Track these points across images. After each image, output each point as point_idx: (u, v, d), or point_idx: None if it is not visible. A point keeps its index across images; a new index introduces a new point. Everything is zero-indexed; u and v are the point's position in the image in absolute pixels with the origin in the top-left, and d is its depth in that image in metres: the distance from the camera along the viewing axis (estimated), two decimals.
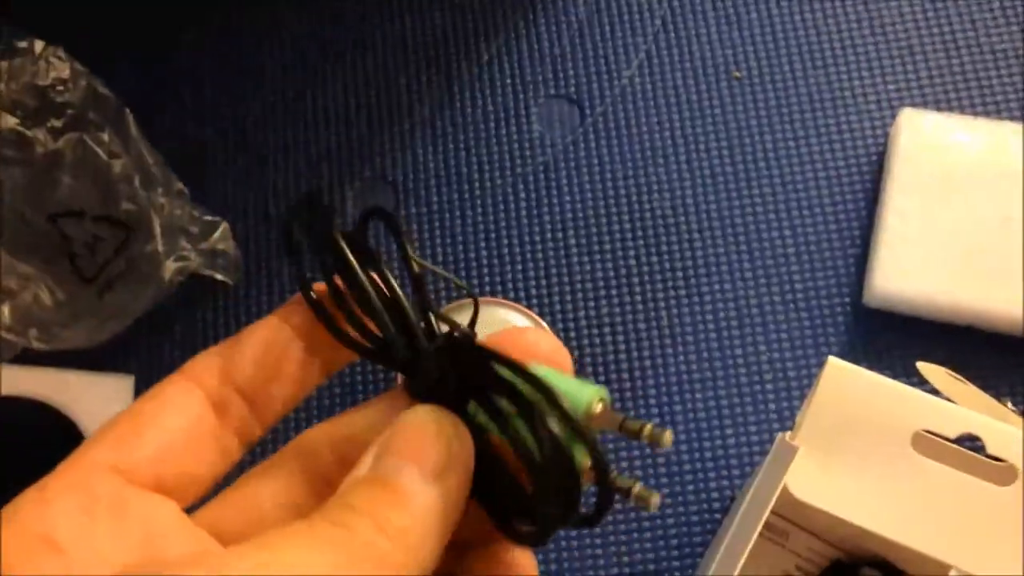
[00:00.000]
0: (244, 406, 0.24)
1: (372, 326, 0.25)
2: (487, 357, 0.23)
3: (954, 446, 0.35)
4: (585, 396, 0.23)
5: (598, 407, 0.23)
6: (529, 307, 0.52)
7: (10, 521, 0.21)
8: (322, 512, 0.21)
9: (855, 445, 0.34)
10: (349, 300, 0.25)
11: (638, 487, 0.23)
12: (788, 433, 0.35)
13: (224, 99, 0.57)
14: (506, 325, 0.44)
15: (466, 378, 0.23)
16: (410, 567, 0.21)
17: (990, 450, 0.33)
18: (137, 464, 0.22)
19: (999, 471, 0.33)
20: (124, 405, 0.50)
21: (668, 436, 0.23)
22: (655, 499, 0.23)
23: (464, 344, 0.24)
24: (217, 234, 0.53)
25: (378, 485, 0.21)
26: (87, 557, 0.21)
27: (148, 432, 0.23)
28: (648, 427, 0.23)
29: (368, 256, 0.25)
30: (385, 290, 0.25)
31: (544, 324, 0.44)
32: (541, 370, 0.23)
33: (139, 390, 0.51)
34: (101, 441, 0.23)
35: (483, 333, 0.43)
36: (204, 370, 0.24)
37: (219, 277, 0.53)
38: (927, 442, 0.34)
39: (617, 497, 0.23)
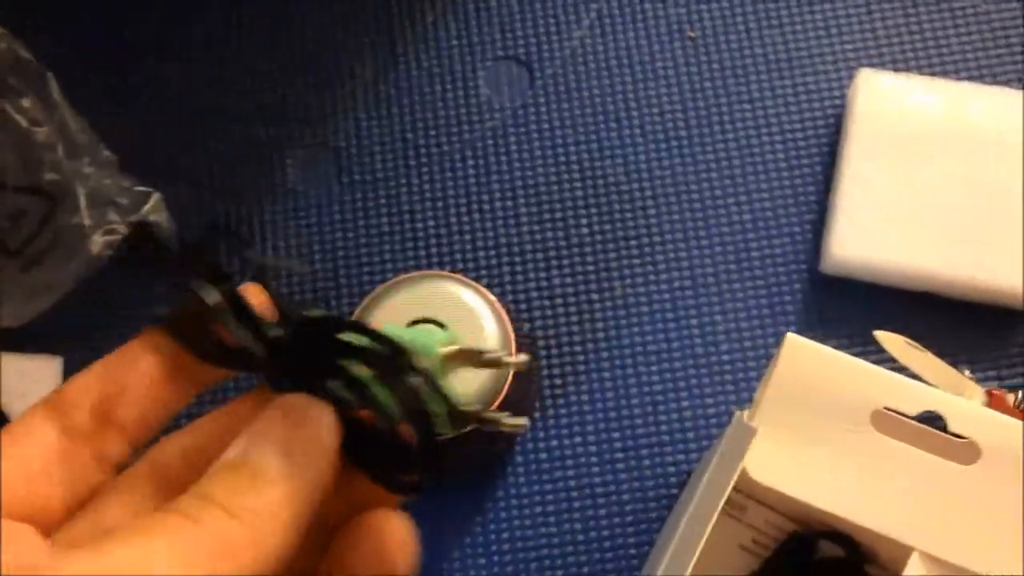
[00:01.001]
0: (104, 429, 0.24)
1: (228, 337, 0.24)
2: (333, 329, 0.24)
3: (915, 424, 0.34)
4: (433, 341, 0.25)
5: (448, 349, 0.25)
6: (478, 279, 0.50)
7: None
8: (173, 503, 0.21)
9: (814, 424, 0.32)
10: (204, 317, 0.24)
11: (504, 417, 0.26)
12: (746, 412, 0.34)
13: (154, 63, 0.54)
14: (454, 300, 0.42)
15: (318, 357, 0.24)
16: (263, 549, 0.21)
17: (952, 428, 0.32)
18: None
19: (961, 449, 0.32)
20: (53, 386, 0.48)
21: (518, 360, 0.26)
22: (521, 421, 0.26)
23: (309, 325, 0.24)
24: (149, 205, 0.50)
25: (230, 470, 0.22)
26: None
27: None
28: (499, 356, 0.26)
29: (214, 273, 0.25)
30: (228, 299, 0.24)
31: (492, 296, 0.43)
32: (388, 328, 0.24)
33: (68, 371, 0.49)
34: None
35: (431, 308, 0.41)
36: (65, 397, 0.24)
37: (153, 248, 0.50)
38: (888, 420, 0.33)
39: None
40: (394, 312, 0.42)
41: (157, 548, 0.20)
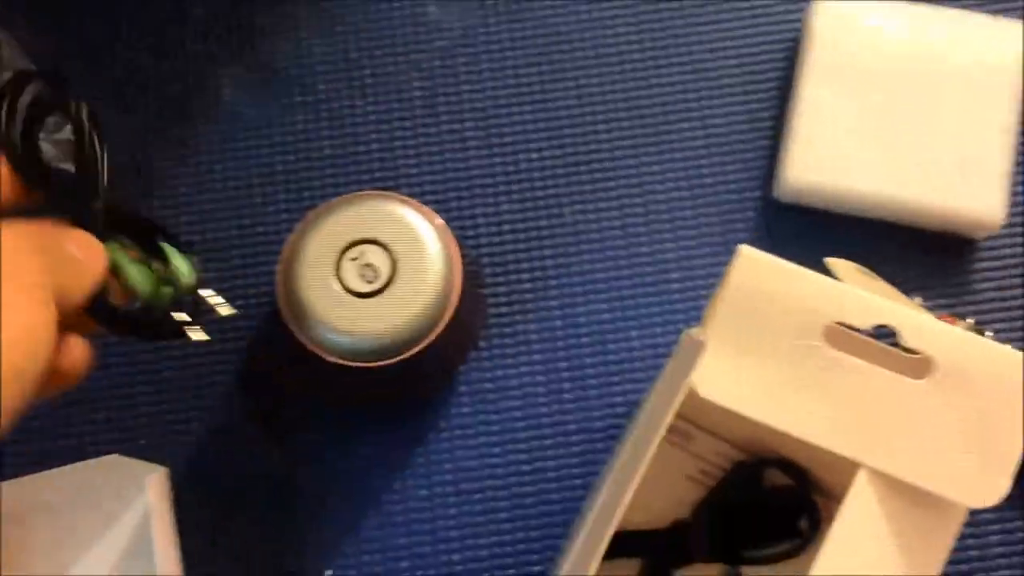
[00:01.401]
0: None
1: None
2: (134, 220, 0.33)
3: (868, 339, 0.33)
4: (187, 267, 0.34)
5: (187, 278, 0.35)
6: (424, 203, 0.48)
7: None
8: None
9: (765, 339, 0.31)
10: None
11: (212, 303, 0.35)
12: (695, 328, 0.33)
13: None
14: (396, 219, 0.40)
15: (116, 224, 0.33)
16: None
17: (905, 342, 0.31)
18: None
19: (914, 364, 0.31)
20: None
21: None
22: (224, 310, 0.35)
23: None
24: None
25: None
26: None
27: None
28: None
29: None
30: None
31: (438, 219, 0.41)
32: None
33: None
34: None
35: (372, 228, 0.40)
36: None
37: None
38: (840, 335, 0.32)
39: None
40: (334, 232, 0.40)
41: None
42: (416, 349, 0.40)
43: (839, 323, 0.31)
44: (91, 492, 0.42)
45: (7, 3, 0.50)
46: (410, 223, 0.40)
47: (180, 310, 0.35)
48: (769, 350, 0.31)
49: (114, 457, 0.43)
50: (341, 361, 0.40)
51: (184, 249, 0.35)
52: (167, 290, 0.34)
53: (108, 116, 0.47)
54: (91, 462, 0.43)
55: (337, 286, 0.40)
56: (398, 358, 0.40)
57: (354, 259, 0.40)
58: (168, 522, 0.43)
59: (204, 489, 0.45)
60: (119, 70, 0.50)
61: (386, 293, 0.40)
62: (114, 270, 0.34)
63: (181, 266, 0.35)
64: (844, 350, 0.31)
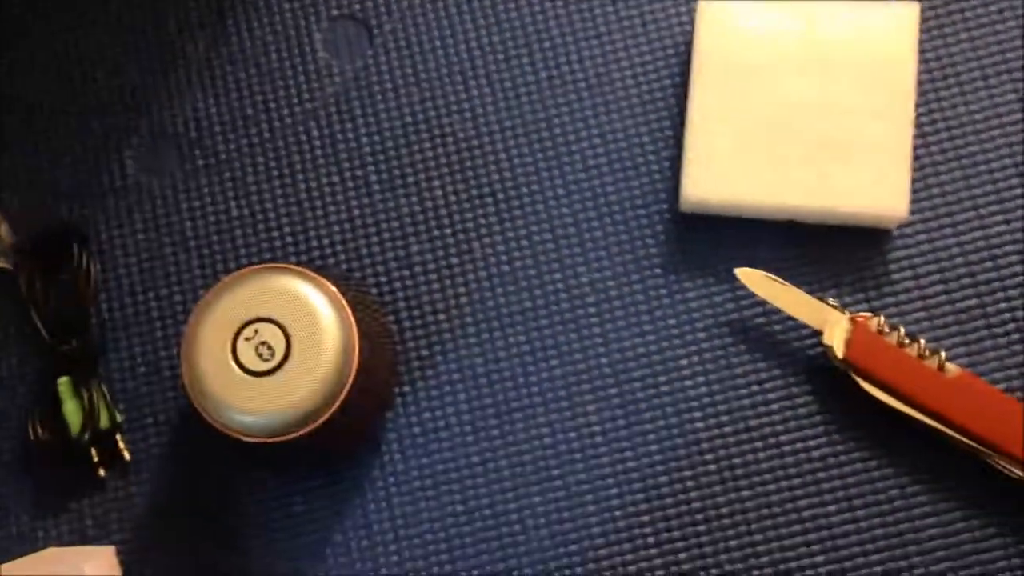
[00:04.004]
0: None
1: None
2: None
3: None
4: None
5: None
6: (333, 253, 0.49)
7: None
8: None
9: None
10: None
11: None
12: None
13: None
14: (290, 295, 0.40)
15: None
16: None
17: None
18: None
19: None
20: None
21: None
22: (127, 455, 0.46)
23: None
24: None
25: None
26: None
27: None
28: None
29: None
30: None
31: (331, 287, 0.41)
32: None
33: None
34: None
35: (266, 306, 0.40)
36: None
37: None
38: None
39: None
40: (229, 312, 0.41)
41: None
42: (323, 419, 0.40)
43: None
44: None
45: None
46: (301, 297, 0.41)
47: (93, 448, 0.46)
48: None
49: (52, 550, 0.44)
50: (249, 439, 0.40)
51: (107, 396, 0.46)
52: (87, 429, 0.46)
53: (8, 203, 0.48)
54: (29, 558, 0.44)
55: (235, 366, 0.40)
56: (307, 429, 0.40)
57: (248, 339, 0.40)
58: None
59: (154, 556, 0.46)
60: (19, 159, 0.50)
61: (283, 369, 0.40)
62: (56, 402, 0.46)
63: (103, 411, 0.46)
64: None
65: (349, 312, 0.41)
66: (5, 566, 0.43)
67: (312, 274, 0.41)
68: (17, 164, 0.50)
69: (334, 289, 0.41)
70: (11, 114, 0.51)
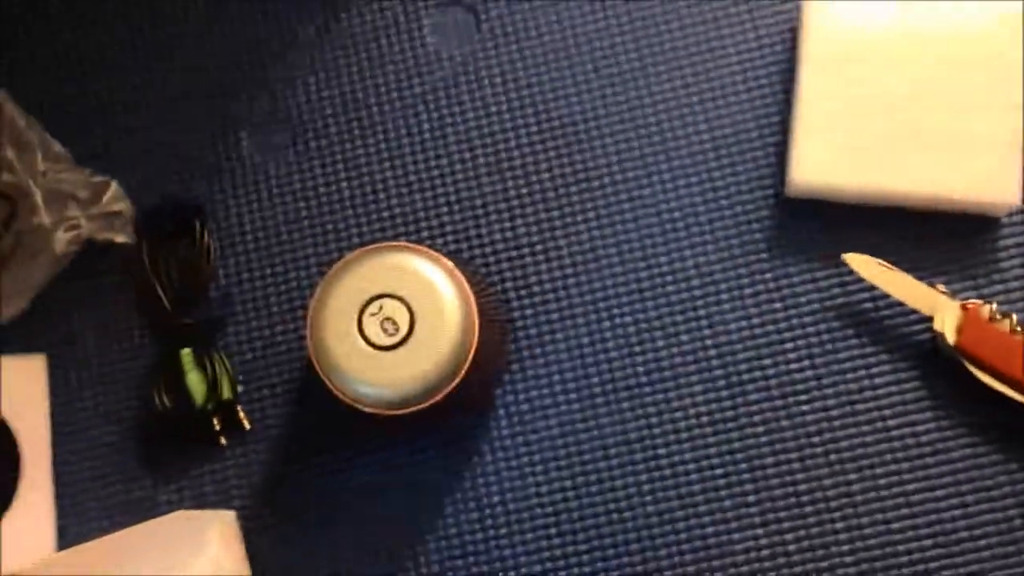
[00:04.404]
0: None
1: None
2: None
3: None
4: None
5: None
6: (442, 235, 0.50)
7: None
8: None
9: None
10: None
11: None
12: None
13: (96, 48, 0.53)
14: (410, 273, 0.42)
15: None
16: None
17: None
18: None
19: None
20: (40, 384, 0.49)
21: None
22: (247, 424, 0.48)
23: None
24: (109, 194, 0.50)
25: None
26: None
27: None
28: None
29: None
30: None
31: (451, 265, 0.42)
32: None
33: (52, 368, 0.49)
34: None
35: (389, 283, 0.41)
36: None
37: (118, 240, 0.50)
38: None
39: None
40: (355, 288, 0.42)
41: None
42: (443, 393, 0.41)
43: None
44: (162, 549, 0.45)
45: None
46: (423, 274, 0.42)
47: (215, 417, 0.48)
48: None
49: (180, 512, 0.46)
50: (371, 410, 0.41)
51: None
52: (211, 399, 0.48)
53: (129, 179, 0.50)
54: (160, 520, 0.45)
55: (361, 341, 0.41)
56: (427, 403, 0.41)
57: (374, 314, 0.41)
58: (236, 564, 0.46)
59: (272, 522, 0.48)
60: (141, 137, 0.52)
61: (407, 344, 0.41)
62: (179, 372, 0.48)
63: (225, 381, 0.48)
64: None
65: (468, 290, 0.42)
66: (136, 527, 0.45)
67: (433, 253, 0.42)
68: (139, 145, 0.52)
69: (453, 267, 0.43)
70: (135, 98, 0.52)
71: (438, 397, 0.42)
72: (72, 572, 0.44)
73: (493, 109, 0.51)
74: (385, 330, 0.41)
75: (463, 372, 0.42)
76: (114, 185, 0.50)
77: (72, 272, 0.50)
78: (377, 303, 0.42)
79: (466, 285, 0.42)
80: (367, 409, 0.42)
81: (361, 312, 0.42)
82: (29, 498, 0.47)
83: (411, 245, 0.43)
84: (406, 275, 0.42)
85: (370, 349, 0.41)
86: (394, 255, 0.42)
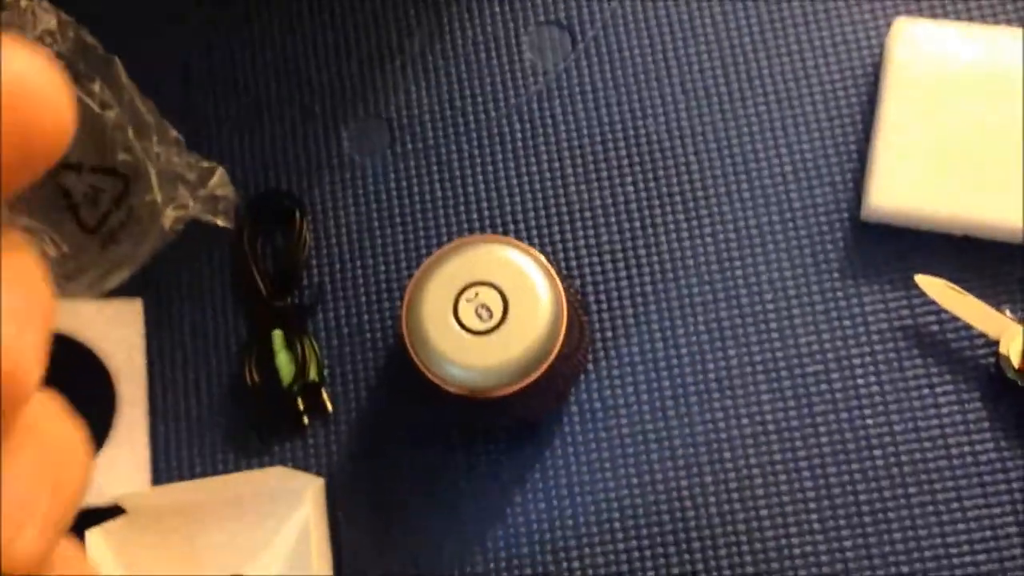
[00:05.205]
0: None
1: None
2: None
3: None
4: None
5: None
6: (528, 239, 0.52)
7: None
8: None
9: None
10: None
11: None
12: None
13: (212, 43, 0.57)
14: (505, 263, 0.44)
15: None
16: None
17: None
18: None
19: None
20: (137, 328, 0.51)
21: None
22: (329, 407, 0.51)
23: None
24: (215, 179, 0.53)
25: None
26: None
27: None
28: None
29: None
30: None
31: (542, 258, 0.45)
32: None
33: (147, 311, 0.52)
34: None
35: (484, 272, 0.44)
36: None
37: (219, 223, 0.53)
38: None
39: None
40: (453, 274, 0.44)
41: None
42: (529, 380, 0.44)
43: None
44: (257, 500, 0.47)
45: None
46: (518, 265, 0.44)
47: (300, 398, 0.50)
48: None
49: (278, 468, 0.48)
50: (460, 392, 0.44)
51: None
52: (298, 380, 0.50)
53: (235, 169, 0.53)
54: (258, 472, 0.48)
55: (455, 324, 0.44)
56: (514, 388, 0.44)
57: (469, 300, 0.44)
58: (323, 530, 0.48)
59: (347, 503, 0.50)
60: (249, 131, 0.55)
61: (500, 330, 0.44)
62: (270, 352, 0.50)
63: (312, 364, 0.50)
64: None
65: (559, 281, 0.45)
66: (235, 475, 0.48)
67: (528, 247, 0.45)
68: (245, 138, 0.55)
69: (546, 262, 0.45)
70: (243, 95, 0.56)
71: (524, 384, 0.44)
72: (171, 501, 0.46)
73: (584, 123, 0.54)
74: (479, 316, 0.44)
75: (550, 361, 0.44)
76: (221, 171, 0.53)
77: (174, 250, 0.53)
78: (473, 290, 0.44)
79: (557, 280, 0.45)
80: (453, 390, 0.44)
81: (457, 297, 0.44)
82: (125, 435, 0.49)
83: (508, 239, 0.45)
84: (503, 265, 0.44)
85: (464, 333, 0.44)
86: (492, 246, 0.45)
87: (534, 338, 0.43)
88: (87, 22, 0.53)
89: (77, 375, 0.51)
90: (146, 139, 0.52)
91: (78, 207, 0.53)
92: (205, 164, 0.53)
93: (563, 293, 0.45)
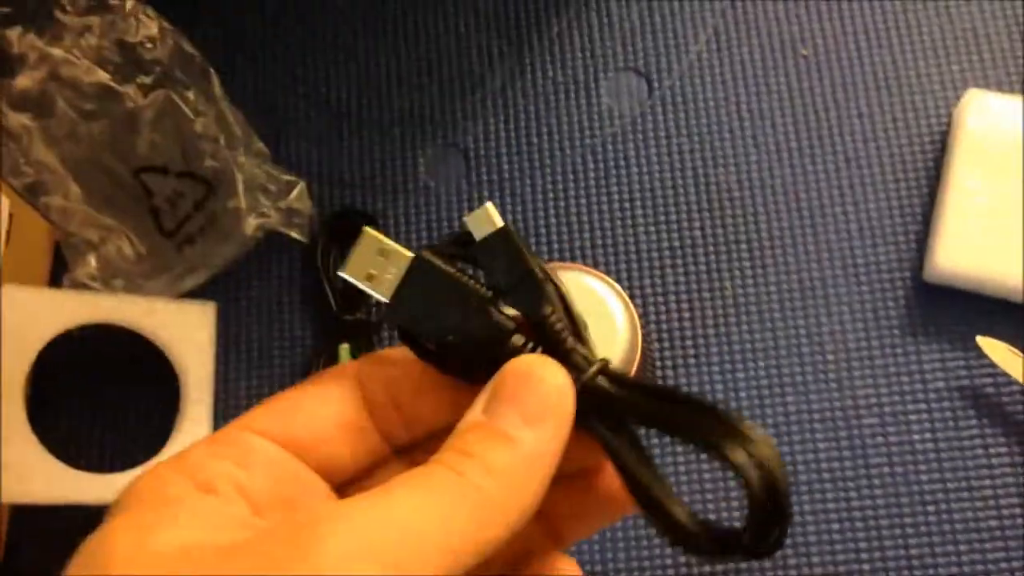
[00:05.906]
0: (394, 412, 0.26)
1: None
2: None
3: None
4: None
5: None
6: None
7: (178, 462, 0.23)
8: (438, 458, 0.23)
9: None
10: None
11: None
12: None
13: (300, 62, 0.59)
14: (582, 289, 0.45)
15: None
16: (512, 508, 0.22)
17: None
18: (292, 437, 0.24)
19: None
20: (208, 331, 0.52)
21: None
22: None
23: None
24: (294, 193, 0.54)
25: (485, 429, 0.23)
26: (237, 500, 0.23)
27: (306, 411, 0.25)
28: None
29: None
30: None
31: (617, 287, 0.46)
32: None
33: (220, 316, 0.53)
34: (265, 411, 0.25)
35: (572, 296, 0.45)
36: (364, 371, 0.26)
37: (294, 235, 0.55)
38: None
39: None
40: None
41: (432, 503, 0.21)
42: None
43: None
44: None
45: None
46: (598, 292, 0.46)
47: None
48: None
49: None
50: None
51: None
52: None
53: (314, 187, 0.54)
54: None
55: None
56: None
57: None
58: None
59: None
60: (329, 151, 0.57)
61: None
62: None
63: None
64: None
65: (634, 312, 0.46)
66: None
67: (607, 277, 0.46)
68: (324, 158, 0.57)
69: (623, 292, 0.46)
70: (323, 116, 0.58)
71: None
72: None
73: (656, 167, 0.55)
74: None
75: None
76: (301, 185, 0.55)
77: (249, 259, 0.55)
78: None
79: (633, 311, 0.46)
80: None
81: None
82: (189, 433, 0.50)
83: (587, 268, 0.47)
84: (583, 291, 0.46)
85: None
86: (571, 272, 0.46)
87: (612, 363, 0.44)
88: (190, 32, 0.55)
89: (147, 371, 0.52)
90: (234, 149, 0.54)
91: (159, 210, 0.54)
92: (287, 178, 0.55)
93: (639, 323, 0.46)
